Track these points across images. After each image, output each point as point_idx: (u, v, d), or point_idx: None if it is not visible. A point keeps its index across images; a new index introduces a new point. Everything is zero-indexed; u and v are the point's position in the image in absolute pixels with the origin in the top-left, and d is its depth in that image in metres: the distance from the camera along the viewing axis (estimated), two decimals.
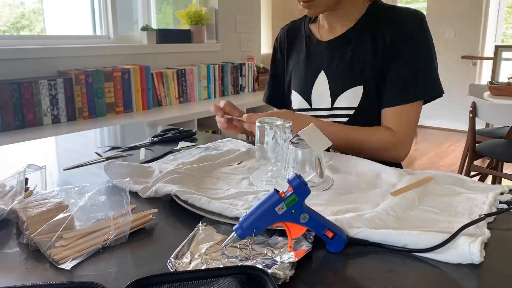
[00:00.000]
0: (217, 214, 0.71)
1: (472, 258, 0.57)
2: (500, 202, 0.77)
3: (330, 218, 0.65)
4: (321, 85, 1.15)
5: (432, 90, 1.05)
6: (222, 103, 1.07)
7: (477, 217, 0.69)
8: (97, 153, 1.14)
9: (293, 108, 1.23)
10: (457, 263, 0.58)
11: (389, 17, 1.08)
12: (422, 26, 1.05)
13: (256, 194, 0.80)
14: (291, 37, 1.26)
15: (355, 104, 1.10)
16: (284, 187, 0.72)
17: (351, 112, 1.10)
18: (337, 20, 1.13)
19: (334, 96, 1.13)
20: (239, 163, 1.00)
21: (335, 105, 1.13)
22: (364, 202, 0.76)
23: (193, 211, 0.74)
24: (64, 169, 1.02)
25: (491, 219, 0.70)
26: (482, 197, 0.77)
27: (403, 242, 0.62)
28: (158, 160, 1.04)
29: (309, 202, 0.74)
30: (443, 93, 1.06)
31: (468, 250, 0.57)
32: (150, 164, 0.99)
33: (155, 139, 1.25)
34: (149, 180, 0.86)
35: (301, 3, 1.07)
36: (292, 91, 1.23)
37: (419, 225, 0.67)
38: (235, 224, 0.62)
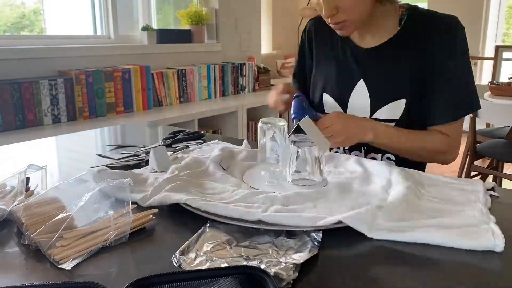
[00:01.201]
0: (236, 218, 0.70)
1: (495, 249, 0.62)
2: (487, 190, 0.84)
3: (358, 210, 0.69)
4: (360, 94, 1.10)
5: (477, 104, 1.05)
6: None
7: (479, 204, 0.75)
8: (99, 155, 1.14)
9: (325, 112, 1.16)
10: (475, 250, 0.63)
11: (431, 28, 1.03)
12: (464, 37, 1.03)
13: (265, 194, 0.78)
14: (321, 31, 1.20)
15: (396, 117, 1.06)
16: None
17: (392, 124, 1.07)
18: (367, 31, 1.09)
19: (374, 108, 1.09)
20: (227, 168, 0.99)
21: (374, 116, 1.09)
22: (369, 196, 0.79)
23: (209, 217, 0.71)
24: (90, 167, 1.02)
25: (488, 205, 0.77)
26: (472, 186, 0.84)
27: (423, 239, 0.65)
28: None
29: (320, 199, 0.78)
30: (480, 107, 1.06)
31: (494, 242, 0.62)
32: (141, 170, 0.97)
33: (166, 141, 1.22)
34: (145, 188, 0.84)
35: (331, 25, 1.02)
36: (324, 94, 1.17)
37: (430, 215, 0.72)
38: (252, 228, 0.67)
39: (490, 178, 3.21)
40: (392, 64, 1.07)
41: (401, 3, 1.07)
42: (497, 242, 0.62)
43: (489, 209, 0.75)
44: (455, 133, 1.05)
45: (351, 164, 0.97)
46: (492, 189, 0.85)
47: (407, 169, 0.94)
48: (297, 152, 0.86)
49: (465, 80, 1.03)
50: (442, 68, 1.03)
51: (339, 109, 1.14)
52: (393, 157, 1.11)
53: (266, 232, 0.67)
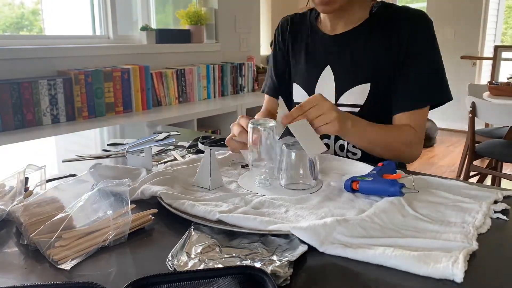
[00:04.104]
0: (200, 217, 0.70)
1: (453, 278, 0.55)
2: (495, 212, 0.75)
3: (314, 222, 0.65)
4: (326, 80, 1.13)
5: (446, 94, 1.07)
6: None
7: (470, 227, 0.67)
8: (104, 150, 1.14)
9: (294, 101, 1.20)
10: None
11: (401, 18, 1.07)
12: (433, 29, 1.06)
13: (244, 196, 0.79)
14: (294, 27, 1.23)
15: (361, 102, 1.08)
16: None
17: (356, 109, 1.09)
18: (340, 18, 1.11)
19: (339, 92, 1.11)
20: (232, 162, 1.00)
21: (339, 102, 1.11)
22: (351, 208, 0.74)
23: (178, 214, 0.72)
24: (63, 161, 1.05)
25: (483, 229, 0.68)
26: (475, 206, 0.75)
27: (376, 260, 0.59)
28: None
29: (297, 205, 0.75)
30: (452, 98, 1.07)
31: (451, 270, 0.55)
32: (137, 166, 0.97)
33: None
34: (136, 183, 0.85)
35: (317, 0, 1.03)
36: (294, 83, 1.20)
37: (405, 233, 0.66)
38: (219, 228, 0.66)
39: (489, 178, 3.22)
40: (359, 49, 1.09)
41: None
42: (455, 271, 0.55)
43: (484, 233, 0.68)
44: (419, 123, 1.06)
45: (352, 168, 0.93)
46: (503, 211, 0.75)
47: (422, 176, 0.89)
48: (291, 155, 0.84)
49: (433, 70, 1.06)
50: (410, 57, 1.05)
51: (307, 97, 1.11)
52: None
53: (250, 232, 0.66)
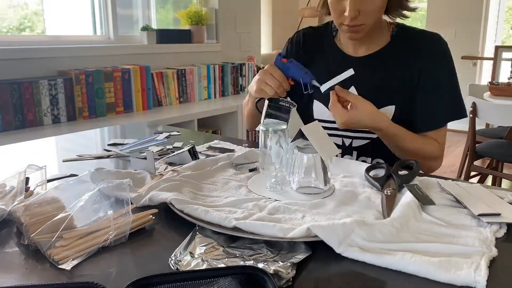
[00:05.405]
0: (215, 224, 0.68)
1: (476, 286, 0.55)
2: None
3: (333, 221, 0.64)
4: None
5: (464, 110, 1.12)
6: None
7: (488, 232, 0.66)
8: (106, 150, 1.15)
9: (315, 118, 1.18)
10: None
11: (420, 43, 1.11)
12: (449, 50, 1.12)
13: (257, 201, 0.77)
14: (311, 43, 1.22)
15: None
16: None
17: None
18: (364, 41, 1.13)
19: None
20: (238, 165, 0.99)
21: None
22: (369, 212, 0.73)
23: (191, 221, 0.70)
24: (64, 161, 1.06)
25: (500, 234, 0.68)
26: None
27: (395, 266, 0.59)
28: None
29: (314, 210, 0.74)
30: (467, 115, 1.13)
31: (473, 277, 0.55)
32: (140, 170, 0.97)
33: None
34: (141, 188, 0.83)
35: (345, 27, 1.04)
36: (315, 101, 1.18)
37: (421, 238, 0.65)
38: (233, 235, 0.64)
39: (489, 178, 3.21)
40: (383, 72, 1.11)
41: (393, 20, 1.14)
42: (477, 279, 0.54)
43: (501, 238, 0.67)
44: (442, 139, 1.12)
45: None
46: None
47: (433, 179, 0.89)
48: (303, 158, 0.82)
49: (451, 89, 1.11)
50: (431, 78, 1.09)
51: (330, 116, 1.13)
52: (381, 161, 1.11)
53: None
